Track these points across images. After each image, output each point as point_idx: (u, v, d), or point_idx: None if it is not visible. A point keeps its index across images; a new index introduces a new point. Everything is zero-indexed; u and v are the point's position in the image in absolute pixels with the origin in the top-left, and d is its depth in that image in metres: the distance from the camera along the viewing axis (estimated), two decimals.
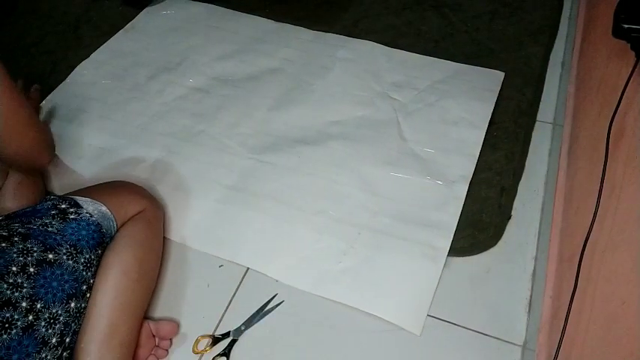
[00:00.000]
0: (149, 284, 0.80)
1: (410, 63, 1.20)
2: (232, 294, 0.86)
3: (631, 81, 0.65)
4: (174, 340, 0.81)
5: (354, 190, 0.97)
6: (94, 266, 0.72)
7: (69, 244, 0.70)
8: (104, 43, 1.30)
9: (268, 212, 0.94)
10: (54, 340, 0.65)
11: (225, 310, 0.84)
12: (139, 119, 1.12)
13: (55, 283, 0.66)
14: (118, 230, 0.79)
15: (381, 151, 1.02)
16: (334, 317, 0.82)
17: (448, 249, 0.88)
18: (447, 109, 1.09)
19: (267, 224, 0.93)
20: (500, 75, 1.15)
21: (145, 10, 1.38)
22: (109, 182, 0.90)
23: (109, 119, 1.12)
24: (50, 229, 0.70)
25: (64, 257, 0.69)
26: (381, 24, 1.30)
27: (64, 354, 0.67)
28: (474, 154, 1.01)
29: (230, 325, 0.82)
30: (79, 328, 0.70)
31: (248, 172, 1.01)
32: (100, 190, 0.83)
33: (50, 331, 0.64)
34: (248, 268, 0.88)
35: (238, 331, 0.81)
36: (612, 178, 0.65)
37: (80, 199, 0.77)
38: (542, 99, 1.11)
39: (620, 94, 0.66)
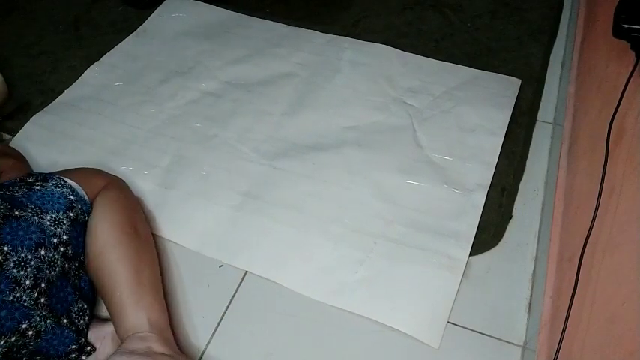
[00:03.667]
0: (147, 239, 0.84)
1: (425, 68, 1.18)
2: (232, 294, 0.86)
3: (631, 81, 0.65)
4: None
5: (370, 198, 0.95)
6: (64, 225, 0.75)
7: (34, 205, 0.74)
8: (104, 43, 1.29)
9: (283, 220, 0.93)
10: (27, 282, 0.68)
11: (225, 311, 0.84)
12: (151, 123, 1.11)
13: (21, 232, 0.70)
14: (93, 200, 0.83)
15: (397, 158, 1.01)
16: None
17: (466, 259, 0.87)
18: (463, 115, 1.07)
19: (282, 233, 0.92)
20: (516, 82, 1.13)
21: (155, 12, 1.37)
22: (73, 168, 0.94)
23: (120, 122, 1.11)
24: (16, 194, 0.75)
25: (30, 214, 0.73)
26: (381, 24, 1.30)
27: (42, 299, 0.70)
28: (492, 162, 0.99)
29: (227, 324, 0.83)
30: (56, 277, 0.72)
31: (262, 179, 1.00)
32: (65, 171, 0.88)
33: (22, 272, 0.68)
34: (247, 271, 0.88)
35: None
36: (612, 178, 0.65)
37: (48, 175, 0.82)
38: (542, 99, 1.11)
39: (620, 94, 0.66)
